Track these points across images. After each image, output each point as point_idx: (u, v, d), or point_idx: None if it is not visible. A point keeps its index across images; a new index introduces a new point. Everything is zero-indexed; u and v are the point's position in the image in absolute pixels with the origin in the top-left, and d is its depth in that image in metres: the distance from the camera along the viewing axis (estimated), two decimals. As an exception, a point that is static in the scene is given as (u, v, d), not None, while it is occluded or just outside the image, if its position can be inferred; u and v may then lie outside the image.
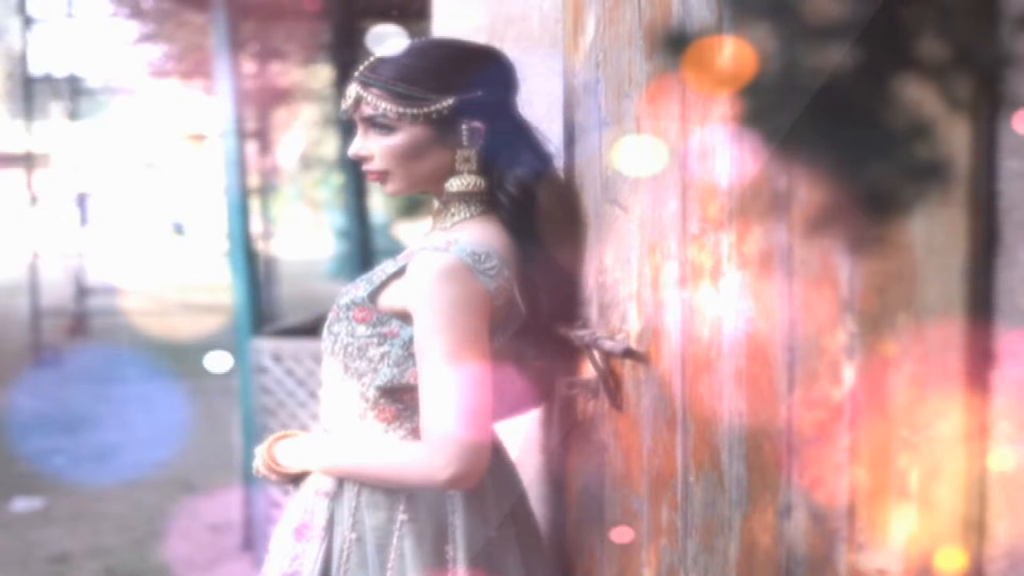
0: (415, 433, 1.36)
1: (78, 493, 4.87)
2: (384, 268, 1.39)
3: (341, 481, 1.40)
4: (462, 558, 1.37)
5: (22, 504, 4.77)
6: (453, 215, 1.42)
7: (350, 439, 1.41)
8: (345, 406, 1.41)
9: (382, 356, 1.36)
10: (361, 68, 1.40)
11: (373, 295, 1.36)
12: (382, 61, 1.39)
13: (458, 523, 1.37)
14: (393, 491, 1.37)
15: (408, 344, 1.34)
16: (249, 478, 3.95)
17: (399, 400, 1.37)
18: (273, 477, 1.48)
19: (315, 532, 1.40)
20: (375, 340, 1.36)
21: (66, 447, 5.79)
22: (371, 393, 1.37)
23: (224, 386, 5.61)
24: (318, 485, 1.42)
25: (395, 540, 1.36)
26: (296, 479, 1.48)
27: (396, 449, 1.37)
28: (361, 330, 1.37)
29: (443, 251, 1.31)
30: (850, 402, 0.74)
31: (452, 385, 1.26)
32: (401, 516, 1.37)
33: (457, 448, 1.25)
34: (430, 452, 1.27)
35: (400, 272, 1.34)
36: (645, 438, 1.17)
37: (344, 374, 1.40)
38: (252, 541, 3.99)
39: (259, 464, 1.49)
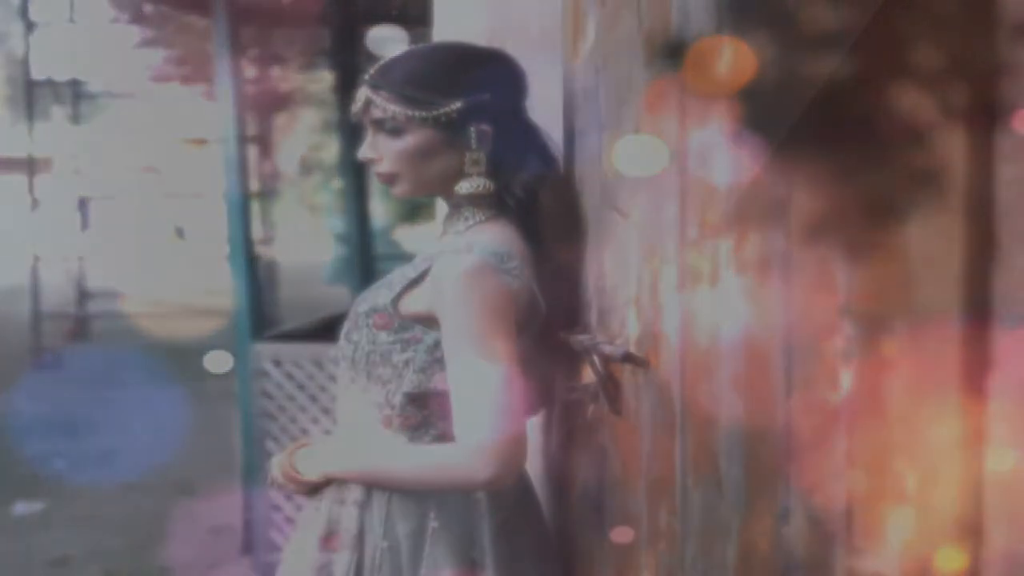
0: (440, 439, 1.35)
1: (78, 496, 4.88)
2: (404, 273, 1.38)
3: (370, 490, 1.38)
4: (491, 563, 1.36)
5: (22, 507, 4.77)
6: (466, 219, 1.42)
7: (378, 443, 1.40)
8: (369, 414, 1.40)
9: (406, 362, 1.35)
10: (371, 71, 1.40)
11: (394, 301, 1.35)
12: (391, 64, 1.39)
13: (485, 528, 1.37)
14: (423, 498, 1.36)
15: (432, 349, 1.33)
16: (249, 481, 3.95)
17: (425, 406, 1.36)
18: (291, 486, 1.45)
19: (345, 542, 1.38)
20: (398, 346, 1.35)
21: (66, 450, 5.79)
22: (397, 400, 1.36)
23: (224, 390, 5.61)
24: (344, 495, 1.40)
25: (427, 548, 1.35)
26: (313, 490, 1.45)
27: (430, 452, 1.35)
28: (383, 337, 1.36)
29: (466, 253, 1.31)
30: (847, 406, 0.74)
31: (486, 384, 1.25)
32: (432, 523, 1.35)
33: (495, 448, 1.24)
34: (467, 453, 1.26)
35: (421, 277, 1.34)
36: (644, 442, 1.18)
37: (367, 382, 1.38)
38: (252, 544, 3.99)
39: (277, 473, 1.46)
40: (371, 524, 1.37)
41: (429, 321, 1.33)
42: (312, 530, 1.42)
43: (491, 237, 1.36)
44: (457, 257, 1.31)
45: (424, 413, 1.36)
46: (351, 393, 1.42)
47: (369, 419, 1.40)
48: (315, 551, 1.40)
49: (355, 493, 1.39)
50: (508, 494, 1.40)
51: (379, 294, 1.39)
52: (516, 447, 1.26)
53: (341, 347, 1.43)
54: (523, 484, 1.48)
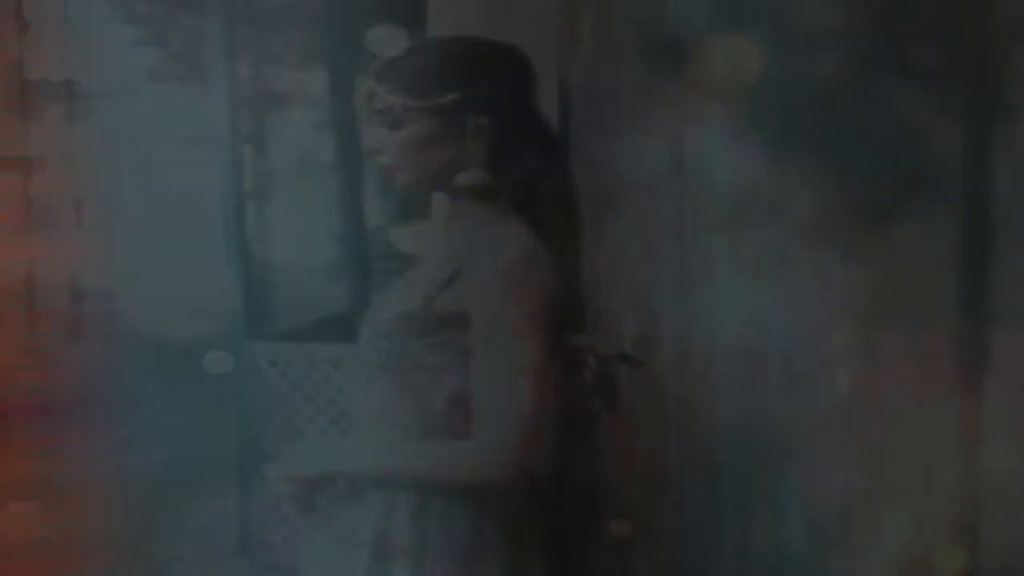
0: None
1: (77, 495, 4.87)
2: (429, 275, 1.36)
3: (425, 496, 1.34)
4: (538, 559, 1.36)
5: (21, 506, 4.77)
6: (472, 215, 1.40)
7: (382, 442, 1.38)
8: (404, 420, 1.38)
9: (441, 365, 1.34)
10: (376, 63, 1.41)
11: (425, 304, 1.33)
12: (396, 57, 1.39)
13: (532, 524, 1.37)
14: (479, 502, 1.32)
15: (465, 351, 1.31)
16: (246, 481, 3.95)
17: (466, 408, 1.32)
18: (287, 486, 1.41)
19: (400, 550, 1.34)
20: (431, 350, 1.34)
21: (64, 449, 5.78)
22: (437, 404, 1.35)
23: (220, 389, 5.61)
24: (394, 502, 1.35)
25: (485, 550, 1.33)
26: (311, 501, 1.43)
27: (443, 449, 1.33)
28: (413, 342, 1.34)
29: (494, 250, 1.30)
30: (845, 406, 0.74)
31: (511, 382, 1.24)
32: (489, 525, 1.34)
33: (513, 447, 1.24)
34: (484, 451, 1.25)
35: (452, 278, 1.32)
36: (640, 442, 1.18)
37: (400, 389, 1.37)
38: (248, 544, 3.99)
39: (274, 476, 1.44)
40: (428, 531, 1.34)
41: (460, 323, 1.31)
42: (354, 539, 1.37)
43: (514, 233, 1.34)
44: (489, 257, 1.29)
45: (465, 415, 1.33)
46: (382, 401, 1.39)
47: (407, 426, 1.37)
48: (366, 560, 1.35)
49: (408, 500, 1.34)
50: (539, 489, 1.40)
51: (404, 298, 1.36)
52: (533, 447, 1.26)
53: (365, 355, 1.40)
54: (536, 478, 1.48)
